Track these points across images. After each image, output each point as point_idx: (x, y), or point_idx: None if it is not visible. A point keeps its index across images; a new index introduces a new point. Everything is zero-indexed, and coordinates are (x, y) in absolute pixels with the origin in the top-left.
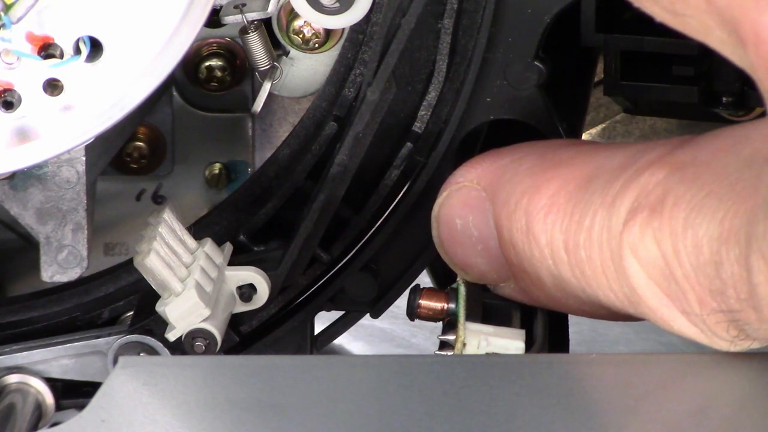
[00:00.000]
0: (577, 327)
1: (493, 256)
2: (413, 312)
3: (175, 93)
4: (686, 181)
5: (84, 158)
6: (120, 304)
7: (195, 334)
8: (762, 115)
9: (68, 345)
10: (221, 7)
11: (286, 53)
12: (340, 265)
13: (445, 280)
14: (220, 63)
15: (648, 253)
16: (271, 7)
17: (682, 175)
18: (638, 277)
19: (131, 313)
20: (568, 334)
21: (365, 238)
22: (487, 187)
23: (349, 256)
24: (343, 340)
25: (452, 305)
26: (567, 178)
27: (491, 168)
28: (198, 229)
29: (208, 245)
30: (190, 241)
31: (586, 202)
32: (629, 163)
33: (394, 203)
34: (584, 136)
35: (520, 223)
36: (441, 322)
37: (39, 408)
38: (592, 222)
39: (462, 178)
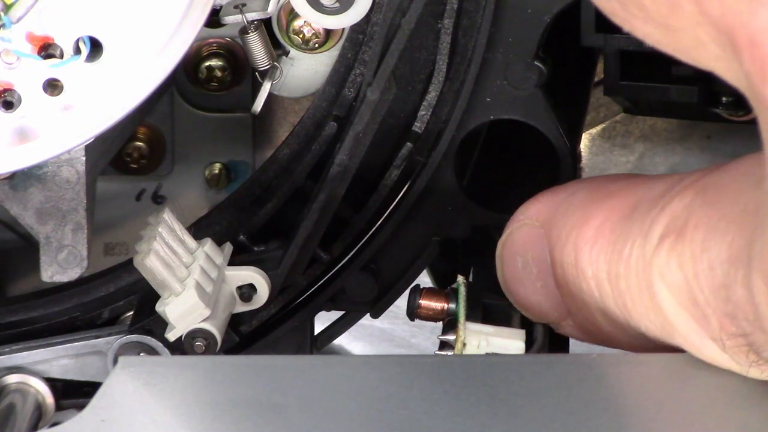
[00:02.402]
0: None
1: (552, 293)
2: (413, 312)
3: (175, 93)
4: (706, 205)
5: (84, 158)
6: (120, 304)
7: (195, 334)
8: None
9: (68, 345)
10: (221, 7)
11: (286, 53)
12: (340, 265)
13: (445, 280)
14: (220, 63)
15: (673, 277)
16: (271, 7)
17: (704, 199)
18: (668, 303)
19: (131, 313)
20: None
21: (365, 238)
22: (545, 224)
23: (349, 256)
24: (343, 340)
25: (452, 305)
26: (613, 209)
27: (548, 204)
28: (198, 229)
29: (208, 245)
30: (190, 241)
31: (627, 231)
32: (668, 189)
33: (394, 203)
34: (584, 136)
35: (570, 256)
36: (441, 322)
37: (39, 408)
38: (630, 251)
39: (523, 216)
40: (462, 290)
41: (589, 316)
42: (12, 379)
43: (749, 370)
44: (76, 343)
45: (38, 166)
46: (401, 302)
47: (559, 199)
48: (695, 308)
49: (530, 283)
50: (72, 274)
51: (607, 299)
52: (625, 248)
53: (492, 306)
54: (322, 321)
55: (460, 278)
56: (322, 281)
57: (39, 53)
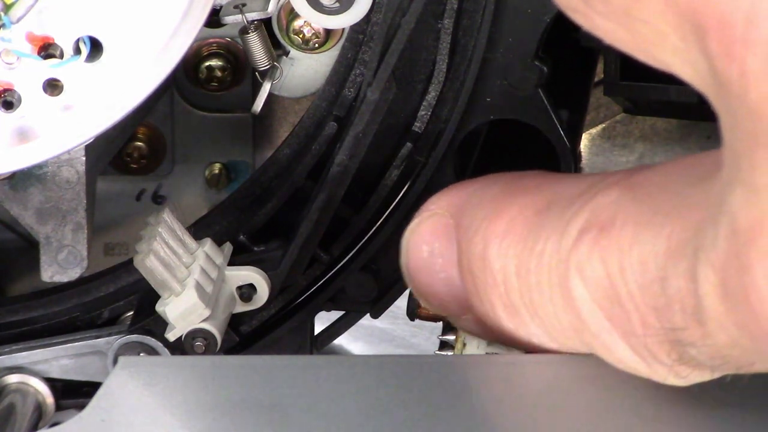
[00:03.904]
0: None
1: (454, 285)
2: (413, 312)
3: (175, 93)
4: (637, 201)
5: (84, 158)
6: (120, 304)
7: (195, 334)
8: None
9: (68, 345)
10: (221, 7)
11: (286, 53)
12: (340, 265)
13: None
14: (220, 63)
15: (594, 272)
16: (271, 7)
17: (633, 195)
18: (582, 300)
19: (131, 313)
20: None
21: (365, 238)
22: (455, 215)
23: (349, 256)
24: (343, 340)
25: None
26: (527, 204)
27: (459, 195)
28: (198, 229)
29: (208, 245)
30: (190, 241)
31: (541, 227)
32: (587, 188)
33: (394, 203)
34: (584, 136)
35: (478, 247)
36: (441, 322)
37: (39, 408)
38: (543, 247)
39: (433, 206)
40: None
41: (490, 311)
42: (12, 379)
43: (668, 375)
44: (76, 343)
45: (38, 166)
46: (401, 302)
47: (471, 190)
48: (612, 305)
49: (434, 273)
50: (72, 274)
51: (512, 294)
52: (537, 244)
53: None
54: (322, 321)
55: None
56: (322, 281)
57: (39, 53)
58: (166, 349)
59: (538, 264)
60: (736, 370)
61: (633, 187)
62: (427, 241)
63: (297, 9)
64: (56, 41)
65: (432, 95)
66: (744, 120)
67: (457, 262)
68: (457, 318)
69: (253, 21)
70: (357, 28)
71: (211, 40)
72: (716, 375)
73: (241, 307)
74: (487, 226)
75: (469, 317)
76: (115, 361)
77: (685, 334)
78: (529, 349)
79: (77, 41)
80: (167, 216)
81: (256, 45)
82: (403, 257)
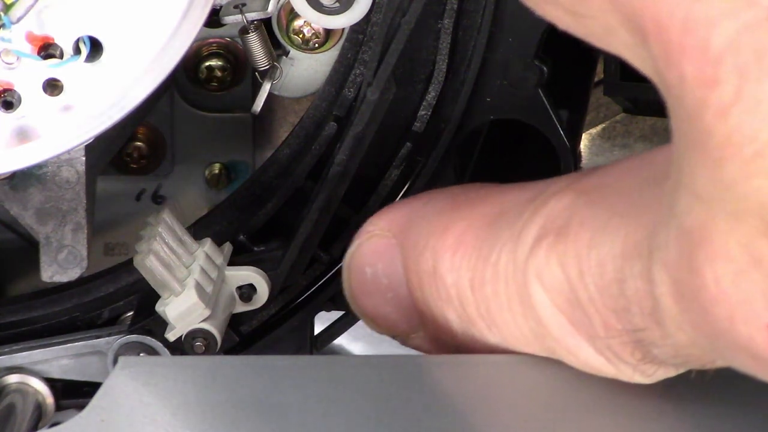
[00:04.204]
0: None
1: (403, 304)
2: None
3: (175, 93)
4: (592, 204)
5: (84, 158)
6: (120, 304)
7: (195, 334)
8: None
9: (68, 345)
10: (221, 7)
11: (286, 53)
12: (340, 265)
13: None
14: (220, 63)
15: (553, 277)
16: (271, 7)
17: (588, 199)
18: (543, 306)
19: (131, 313)
20: None
21: None
22: (398, 234)
23: None
24: (343, 340)
25: None
26: (475, 216)
27: (400, 214)
28: (198, 229)
29: (208, 245)
30: (190, 242)
31: (494, 237)
32: (536, 194)
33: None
34: (584, 136)
35: (428, 264)
36: None
37: (39, 408)
38: (498, 256)
39: (372, 227)
40: None
41: (443, 326)
42: (12, 379)
43: (634, 374)
44: (76, 343)
45: (38, 166)
46: None
47: (412, 208)
48: (573, 309)
49: (380, 294)
50: (72, 274)
51: (468, 306)
52: (491, 254)
53: None
54: (322, 321)
55: None
56: (322, 281)
57: (39, 53)
58: (166, 349)
59: (493, 274)
60: (699, 367)
61: (587, 190)
62: (370, 263)
63: (297, 9)
64: (56, 41)
65: (432, 95)
66: (684, 123)
67: (406, 281)
68: (406, 337)
69: (253, 21)
70: (357, 28)
71: (211, 40)
72: (681, 371)
73: (241, 307)
74: (435, 241)
75: (420, 335)
76: (115, 361)
77: (646, 334)
78: None
79: (77, 41)
80: (167, 216)
81: (256, 45)
82: (346, 281)
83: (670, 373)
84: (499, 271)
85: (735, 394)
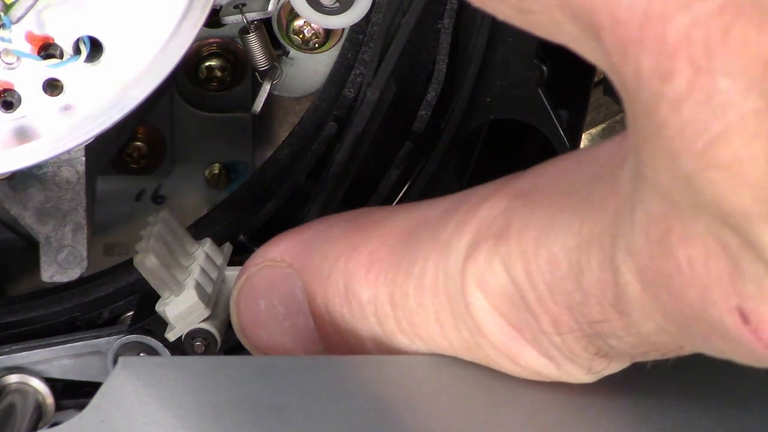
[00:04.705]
0: None
1: (301, 332)
2: None
3: (175, 93)
4: (531, 205)
5: (84, 158)
6: (120, 304)
7: (195, 334)
8: None
9: (68, 345)
10: (221, 7)
11: (286, 53)
12: None
13: None
14: (220, 63)
15: (496, 281)
16: (271, 7)
17: (526, 201)
18: (482, 312)
19: (131, 313)
20: None
21: None
22: (294, 261)
23: None
24: None
25: None
26: (386, 234)
27: (295, 242)
28: (198, 229)
29: (208, 245)
30: (190, 241)
31: (414, 250)
32: (455, 207)
33: (394, 203)
34: (584, 136)
35: (337, 285)
36: None
37: (39, 408)
38: (423, 268)
39: (261, 259)
40: None
41: (355, 347)
42: (12, 379)
43: (579, 372)
44: (76, 343)
45: (38, 166)
46: None
47: (308, 234)
48: (517, 311)
49: (276, 325)
50: (72, 274)
51: (386, 322)
52: (413, 267)
53: None
54: None
55: None
56: None
57: (39, 53)
58: (166, 349)
59: (418, 286)
60: (661, 356)
61: (522, 193)
62: (263, 295)
63: (297, 9)
64: (56, 41)
65: (432, 95)
66: (639, 116)
67: (309, 308)
68: None
69: (253, 21)
70: (357, 28)
71: (211, 40)
72: (632, 362)
73: None
74: (345, 262)
75: None
76: (115, 361)
77: (605, 326)
78: None
79: (77, 41)
80: (167, 216)
81: (256, 45)
82: (235, 317)
83: (620, 367)
84: (425, 283)
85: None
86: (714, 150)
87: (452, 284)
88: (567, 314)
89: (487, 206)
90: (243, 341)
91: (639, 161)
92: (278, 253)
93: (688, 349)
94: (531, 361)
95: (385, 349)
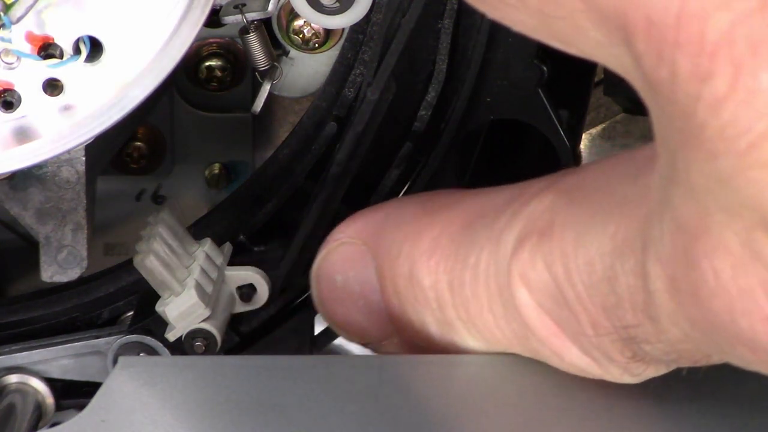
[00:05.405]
0: None
1: (375, 311)
2: None
3: (175, 93)
4: (573, 204)
5: (84, 158)
6: (120, 304)
7: (195, 334)
8: None
9: (68, 345)
10: (221, 7)
11: (286, 53)
12: None
13: None
14: (220, 63)
15: (538, 278)
16: (271, 7)
17: (569, 199)
18: (527, 307)
19: (131, 313)
20: None
21: None
22: (369, 240)
23: None
24: (343, 340)
25: None
26: (450, 220)
27: (371, 221)
28: (198, 229)
29: (208, 245)
30: (190, 242)
31: (471, 240)
32: (514, 198)
33: None
34: (584, 136)
35: (403, 269)
36: None
37: (39, 408)
38: (478, 258)
39: (341, 235)
40: None
41: (421, 331)
42: (12, 379)
43: (622, 374)
44: (76, 343)
45: (38, 166)
46: None
47: (381, 215)
48: (560, 309)
49: (351, 302)
50: (72, 274)
51: (446, 309)
52: (470, 256)
53: None
54: (322, 321)
55: None
56: None
57: (39, 53)
58: (166, 349)
59: (473, 276)
60: (692, 364)
61: (567, 190)
62: (340, 271)
63: (297, 9)
64: (56, 41)
65: (432, 95)
66: (675, 119)
67: (380, 288)
68: (378, 344)
69: (253, 21)
70: (357, 28)
71: (211, 40)
72: (671, 368)
73: (241, 307)
74: (411, 246)
75: (394, 341)
76: (115, 361)
77: (638, 331)
78: None
79: (77, 41)
80: (167, 216)
81: (256, 45)
82: (315, 290)
83: (660, 371)
84: (479, 273)
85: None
86: (757, 149)
87: (502, 277)
88: (604, 316)
89: (536, 201)
90: (322, 315)
91: (671, 166)
92: (355, 231)
93: (715, 359)
94: (574, 359)
95: (446, 336)
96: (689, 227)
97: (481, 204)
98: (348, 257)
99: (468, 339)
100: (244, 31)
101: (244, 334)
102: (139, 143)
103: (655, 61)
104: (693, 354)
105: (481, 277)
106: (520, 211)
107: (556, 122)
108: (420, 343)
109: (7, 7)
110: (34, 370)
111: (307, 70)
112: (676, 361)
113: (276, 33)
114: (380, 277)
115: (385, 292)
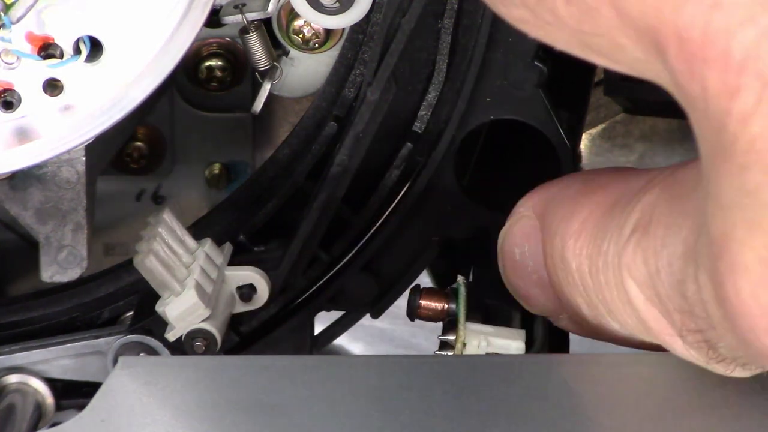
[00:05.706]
0: None
1: (546, 286)
2: (413, 312)
3: (175, 93)
4: (670, 201)
5: (84, 158)
6: (120, 304)
7: (195, 334)
8: None
9: (68, 345)
10: (221, 7)
11: (286, 53)
12: (340, 265)
13: (445, 280)
14: (220, 63)
15: (639, 273)
16: (271, 7)
17: (668, 195)
18: (638, 300)
19: (131, 313)
20: (568, 334)
21: (365, 238)
22: (539, 216)
23: (349, 256)
24: (343, 340)
25: (452, 305)
26: (597, 203)
27: (543, 196)
28: (198, 229)
29: (208, 245)
30: (190, 242)
31: (606, 226)
32: (645, 184)
33: (394, 203)
34: (584, 136)
35: (558, 249)
36: (441, 322)
37: (39, 408)
38: (608, 246)
39: (522, 208)
40: (462, 290)
41: (577, 309)
42: (12, 379)
43: (722, 368)
44: (76, 343)
45: (38, 166)
46: (401, 302)
47: (554, 191)
48: (661, 303)
49: (527, 276)
50: (72, 274)
51: (590, 292)
52: (603, 243)
53: (492, 306)
54: (322, 321)
55: (460, 278)
56: (322, 281)
57: (39, 53)
58: (166, 349)
59: (604, 263)
60: (762, 369)
61: (671, 185)
62: (518, 244)
63: (297, 9)
64: (56, 41)
65: (432, 95)
66: (708, 133)
67: (544, 264)
68: (556, 317)
69: (253, 21)
70: (357, 28)
71: (211, 40)
72: (756, 371)
73: (241, 307)
74: (565, 226)
75: (565, 316)
76: (115, 361)
77: (708, 335)
78: (621, 344)
79: (77, 41)
80: (167, 216)
81: (256, 45)
82: (500, 262)
83: (746, 372)
84: (608, 262)
85: None
86: None
87: (617, 268)
88: (687, 317)
89: (648, 194)
90: (508, 288)
91: (707, 179)
92: (531, 204)
93: None
94: (683, 353)
95: (596, 317)
96: (717, 242)
97: (622, 188)
98: (525, 231)
99: (611, 323)
100: (244, 31)
101: (244, 334)
102: (139, 143)
103: (688, 77)
104: (751, 361)
105: (609, 266)
106: (637, 203)
107: (556, 122)
108: (581, 322)
109: (7, 7)
110: (34, 370)
111: (307, 70)
112: (746, 365)
113: (276, 33)
114: (543, 254)
115: (548, 269)
